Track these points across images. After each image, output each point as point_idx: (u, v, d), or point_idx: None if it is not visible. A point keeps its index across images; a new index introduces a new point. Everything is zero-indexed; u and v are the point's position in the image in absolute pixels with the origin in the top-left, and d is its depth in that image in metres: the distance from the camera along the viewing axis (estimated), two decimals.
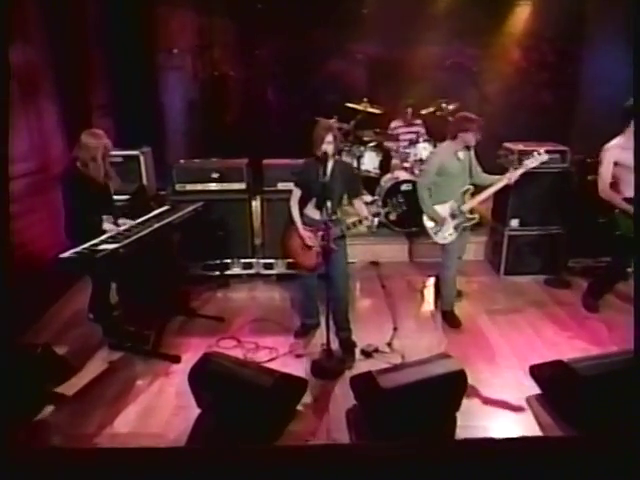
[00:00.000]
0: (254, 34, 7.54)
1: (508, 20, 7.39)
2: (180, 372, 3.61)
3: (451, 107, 6.15)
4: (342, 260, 3.75)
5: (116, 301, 4.37)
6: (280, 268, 5.13)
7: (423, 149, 5.95)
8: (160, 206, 4.40)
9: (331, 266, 3.59)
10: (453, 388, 3.07)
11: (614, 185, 4.08)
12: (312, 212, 3.73)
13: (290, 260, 4.78)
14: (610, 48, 6.44)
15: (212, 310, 4.59)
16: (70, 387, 3.55)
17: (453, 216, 4.11)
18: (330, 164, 3.61)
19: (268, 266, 5.14)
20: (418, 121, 6.44)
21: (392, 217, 5.82)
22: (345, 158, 5.93)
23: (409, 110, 6.31)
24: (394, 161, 6.36)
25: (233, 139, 6.86)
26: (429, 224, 4.16)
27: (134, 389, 3.56)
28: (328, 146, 3.53)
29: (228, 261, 5.11)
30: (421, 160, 5.94)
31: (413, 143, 6.01)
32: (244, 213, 5.01)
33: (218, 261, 5.05)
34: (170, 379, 3.66)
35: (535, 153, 4.08)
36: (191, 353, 3.82)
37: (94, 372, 3.72)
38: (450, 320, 4.31)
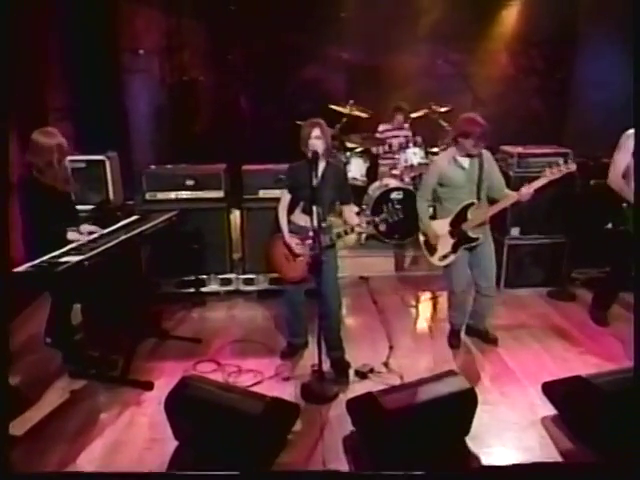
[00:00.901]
0: (226, 37, 7.50)
1: (496, 23, 7.51)
2: (153, 400, 3.50)
3: (442, 109, 6.16)
4: (332, 271, 3.68)
5: (78, 322, 4.19)
6: (262, 284, 5.04)
7: (413, 154, 5.96)
8: (128, 217, 4.24)
9: (320, 278, 3.48)
10: (463, 408, 2.97)
11: (626, 176, 4.01)
12: (299, 218, 3.67)
13: (273, 275, 4.81)
14: (603, 51, 6.59)
15: (187, 331, 4.47)
16: (25, 422, 3.35)
17: (452, 234, 3.96)
18: (321, 166, 3.56)
19: (249, 282, 5.05)
20: (407, 125, 6.44)
21: (382, 228, 5.74)
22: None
23: (401, 112, 6.32)
24: (382, 168, 6.36)
25: (204, 147, 6.76)
26: (422, 239, 4.10)
27: (100, 421, 3.39)
28: (316, 142, 3.48)
29: (204, 277, 5.01)
30: (412, 166, 5.94)
31: (403, 148, 5.99)
32: (222, 224, 4.93)
33: (193, 277, 4.95)
34: (142, 409, 3.50)
35: (561, 162, 3.73)
36: (165, 379, 3.69)
37: (53, 404, 3.55)
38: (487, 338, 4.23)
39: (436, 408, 2.87)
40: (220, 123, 7.53)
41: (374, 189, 5.96)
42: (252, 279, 5.03)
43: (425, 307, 4.94)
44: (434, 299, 5.05)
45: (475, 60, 7.38)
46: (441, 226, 3.98)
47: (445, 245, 3.98)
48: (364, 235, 5.85)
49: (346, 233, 3.67)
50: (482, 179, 3.86)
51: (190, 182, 4.83)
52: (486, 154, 3.91)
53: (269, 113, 7.46)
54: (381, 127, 6.46)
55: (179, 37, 7.53)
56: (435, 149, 6.02)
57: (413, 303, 5.00)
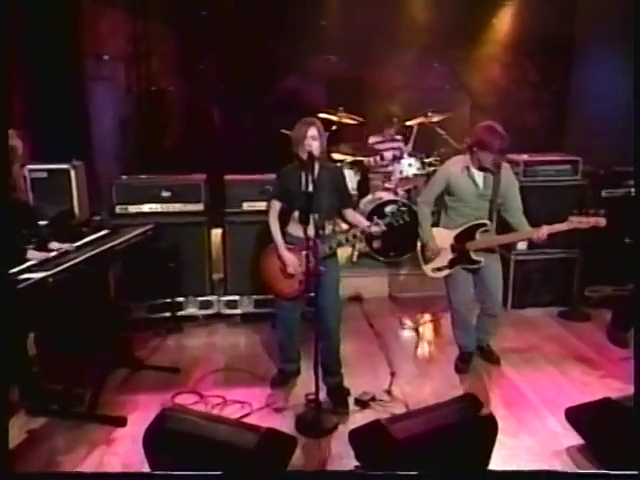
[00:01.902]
0: (198, 45, 7.49)
1: (488, 30, 7.66)
2: (126, 438, 3.38)
3: (437, 118, 6.18)
4: (332, 285, 3.63)
5: (33, 354, 4.00)
6: (246, 306, 4.95)
7: (408, 165, 5.96)
8: (96, 233, 4.10)
9: (319, 292, 3.43)
10: (482, 436, 2.86)
11: None
12: (295, 228, 3.64)
13: (259, 297, 4.84)
14: (602, 59, 6.75)
15: (163, 360, 4.36)
16: None
17: (454, 249, 3.92)
18: (316, 169, 3.52)
19: (231, 305, 4.95)
20: (399, 137, 6.46)
21: (375, 245, 5.78)
22: None
23: (395, 120, 6.35)
24: (374, 182, 6.37)
25: (173, 159, 6.68)
26: (419, 246, 4.07)
27: (65, 463, 3.22)
28: (313, 143, 3.45)
29: (181, 300, 4.90)
30: (407, 178, 5.94)
31: (397, 159, 5.99)
32: (201, 240, 4.86)
33: (168, 300, 4.84)
34: (114, 447, 3.35)
35: (591, 213, 3.83)
36: (140, 413, 3.57)
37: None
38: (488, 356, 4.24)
39: (453, 436, 2.76)
40: (191, 136, 7.47)
41: (366, 203, 5.93)
42: (235, 301, 4.94)
43: (426, 330, 4.92)
44: (435, 321, 5.04)
45: (466, 70, 7.48)
46: (444, 236, 3.94)
47: (442, 258, 3.95)
48: (356, 253, 5.82)
49: (347, 240, 3.63)
50: (496, 198, 3.82)
51: (166, 194, 4.75)
52: (506, 170, 3.88)
53: (244, 126, 7.41)
54: (371, 139, 6.48)
55: (147, 43, 7.50)
56: (431, 159, 6.02)
57: (413, 326, 4.98)
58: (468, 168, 3.82)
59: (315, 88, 7.65)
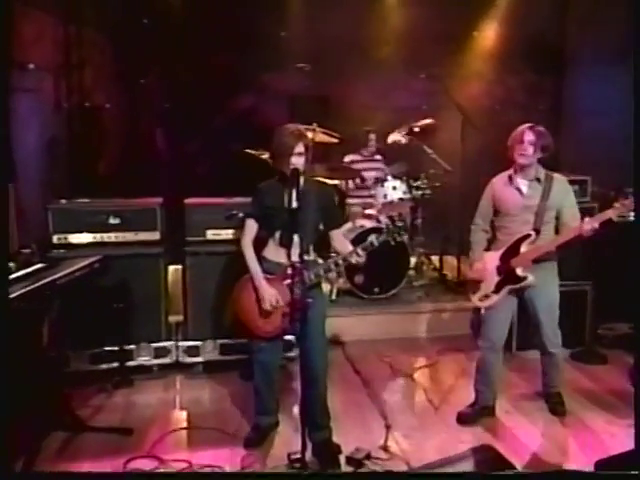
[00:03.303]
0: (139, 57, 7.42)
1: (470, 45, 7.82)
2: None
3: (419, 124, 6.27)
4: (319, 320, 3.59)
5: None
6: (210, 353, 4.83)
7: (393, 189, 5.97)
8: (25, 267, 3.90)
9: (304, 329, 3.34)
10: None
11: None
12: (274, 253, 3.60)
13: (225, 341, 4.77)
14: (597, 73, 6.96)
15: (110, 419, 4.21)
16: None
17: (499, 270, 3.97)
18: (300, 183, 3.50)
19: (192, 351, 4.82)
20: (378, 156, 6.51)
21: (357, 280, 5.72)
22: None
23: (371, 136, 6.36)
24: (353, 208, 6.35)
25: (113, 185, 6.51)
26: (469, 274, 4.18)
27: None
28: (298, 160, 3.47)
29: (131, 347, 4.75)
30: (391, 203, 5.92)
31: (380, 181, 6.01)
32: (157, 275, 4.75)
33: (116, 347, 4.69)
34: None
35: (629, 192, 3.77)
36: None
37: None
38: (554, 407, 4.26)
39: None
40: (132, 159, 7.31)
41: (345, 232, 5.81)
42: (197, 347, 4.81)
43: (423, 376, 4.90)
44: (432, 365, 5.06)
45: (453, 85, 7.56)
46: (491, 259, 4.04)
47: (489, 283, 4.02)
48: (335, 290, 5.78)
49: (337, 265, 3.58)
50: (545, 208, 3.91)
51: (115, 220, 4.65)
52: (559, 180, 3.99)
53: (192, 149, 7.32)
54: (347, 158, 6.50)
55: (79, 52, 7.35)
56: (419, 182, 6.05)
57: (407, 372, 4.92)
58: (511, 178, 3.98)
59: (275, 105, 7.60)
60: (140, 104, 7.48)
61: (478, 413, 4.13)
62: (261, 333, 3.63)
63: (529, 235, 3.89)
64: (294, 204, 3.36)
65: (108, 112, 7.45)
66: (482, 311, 4.16)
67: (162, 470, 3.56)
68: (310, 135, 6.18)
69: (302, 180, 3.52)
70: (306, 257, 3.41)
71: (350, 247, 3.62)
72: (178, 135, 7.45)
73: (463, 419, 4.10)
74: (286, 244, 3.45)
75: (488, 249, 4.12)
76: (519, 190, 3.95)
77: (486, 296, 4.03)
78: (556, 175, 3.98)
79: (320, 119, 6.44)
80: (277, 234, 3.55)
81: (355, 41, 7.13)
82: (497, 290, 3.98)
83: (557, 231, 3.98)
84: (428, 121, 6.36)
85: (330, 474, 3.39)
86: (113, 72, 7.53)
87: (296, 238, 3.38)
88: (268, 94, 7.44)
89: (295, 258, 3.35)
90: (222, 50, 7.16)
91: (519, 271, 3.90)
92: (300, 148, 3.47)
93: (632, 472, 2.53)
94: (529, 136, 3.82)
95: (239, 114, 7.40)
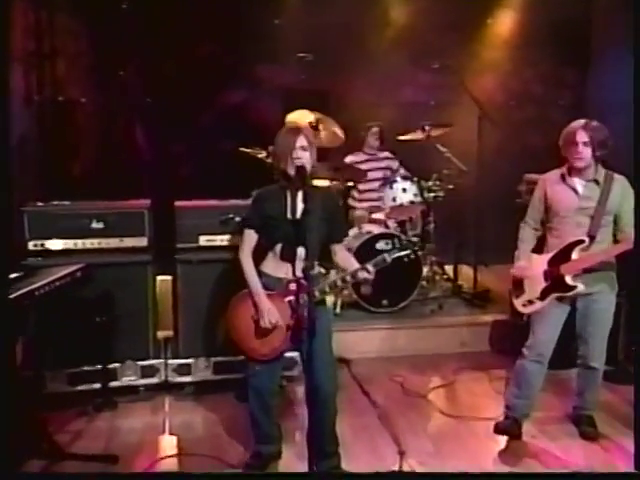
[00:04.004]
0: (118, 46, 7.32)
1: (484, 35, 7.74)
2: None
3: (435, 133, 6.17)
4: (325, 336, 3.50)
5: None
6: (202, 372, 4.77)
7: (402, 191, 5.87)
8: None
9: (309, 350, 3.26)
10: None
11: None
12: (274, 267, 3.56)
13: (219, 359, 4.71)
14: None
15: (92, 446, 4.12)
16: None
17: (547, 275, 3.94)
18: (302, 191, 3.49)
19: (183, 370, 4.77)
20: (386, 153, 6.44)
21: (364, 291, 5.68)
22: None
23: (375, 130, 6.29)
24: (358, 212, 6.28)
25: (91, 187, 6.45)
26: (512, 273, 4.17)
27: None
28: (303, 154, 3.42)
29: (115, 366, 4.69)
30: (400, 206, 5.82)
31: (389, 182, 5.94)
32: (144, 285, 4.71)
33: (98, 366, 4.62)
34: None
35: None
36: None
37: None
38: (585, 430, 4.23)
39: None
40: (113, 159, 7.23)
41: (351, 239, 5.78)
42: (188, 366, 4.75)
43: (438, 397, 4.87)
44: (448, 385, 5.03)
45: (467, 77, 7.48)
46: (539, 263, 4.02)
47: (535, 288, 4.00)
48: (339, 303, 5.76)
49: (344, 282, 3.54)
50: (603, 211, 3.86)
51: (98, 225, 4.59)
52: (619, 180, 3.92)
53: (179, 147, 7.24)
54: (348, 158, 6.39)
55: (51, 40, 7.28)
56: (430, 183, 5.99)
57: (420, 392, 4.89)
58: (563, 177, 3.97)
59: (269, 100, 7.51)
60: (119, 98, 7.40)
61: (508, 428, 4.10)
62: (257, 356, 3.58)
63: (582, 241, 3.84)
64: (298, 214, 3.36)
65: (83, 107, 7.38)
66: (524, 317, 4.15)
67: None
68: (314, 123, 6.07)
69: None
70: (310, 272, 3.36)
71: (355, 263, 3.58)
72: (161, 132, 7.38)
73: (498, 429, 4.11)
74: (288, 258, 3.43)
75: (539, 252, 4.09)
76: (574, 190, 3.91)
77: (530, 302, 4.01)
78: (617, 175, 3.90)
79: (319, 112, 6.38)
80: (278, 247, 3.51)
81: (358, 29, 7.07)
82: (543, 297, 3.95)
83: (615, 236, 3.93)
84: (446, 128, 6.26)
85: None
86: (89, 63, 7.43)
87: (300, 251, 3.37)
88: (262, 87, 7.37)
89: (299, 273, 3.37)
90: (210, 39, 7.09)
91: (568, 279, 3.86)
92: (302, 141, 3.43)
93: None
94: (583, 137, 3.75)
95: (230, 109, 7.34)
